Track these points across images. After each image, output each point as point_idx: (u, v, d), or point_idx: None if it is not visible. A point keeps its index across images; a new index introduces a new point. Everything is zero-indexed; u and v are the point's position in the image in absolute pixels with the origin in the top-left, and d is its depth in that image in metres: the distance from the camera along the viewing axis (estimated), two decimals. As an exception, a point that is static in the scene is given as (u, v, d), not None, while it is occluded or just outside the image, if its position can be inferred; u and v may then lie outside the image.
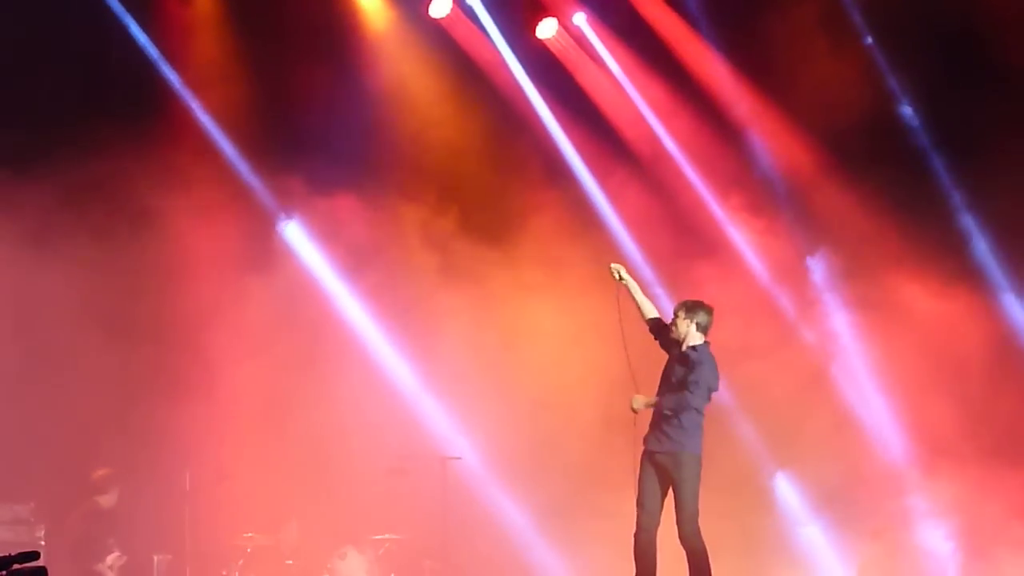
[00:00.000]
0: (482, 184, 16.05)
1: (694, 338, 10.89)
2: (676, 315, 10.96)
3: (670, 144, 16.52)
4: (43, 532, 13.76)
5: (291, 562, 14.45)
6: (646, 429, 10.92)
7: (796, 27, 15.42)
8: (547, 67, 16.60)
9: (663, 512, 10.82)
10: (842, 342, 15.99)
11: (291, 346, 15.17)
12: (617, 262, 11.34)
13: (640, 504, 10.85)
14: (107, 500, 14.11)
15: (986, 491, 14.78)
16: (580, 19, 16.62)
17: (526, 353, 15.35)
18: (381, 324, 15.93)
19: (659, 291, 15.34)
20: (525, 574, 15.59)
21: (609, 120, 16.61)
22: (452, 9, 16.28)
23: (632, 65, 16.60)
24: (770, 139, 16.28)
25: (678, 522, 10.71)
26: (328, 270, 15.95)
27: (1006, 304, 15.84)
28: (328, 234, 15.87)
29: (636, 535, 10.81)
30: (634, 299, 11.18)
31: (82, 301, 14.21)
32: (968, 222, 15.90)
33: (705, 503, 10.76)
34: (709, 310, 10.97)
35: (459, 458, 15.01)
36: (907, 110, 16.11)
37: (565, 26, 16.62)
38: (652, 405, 10.87)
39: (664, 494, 10.85)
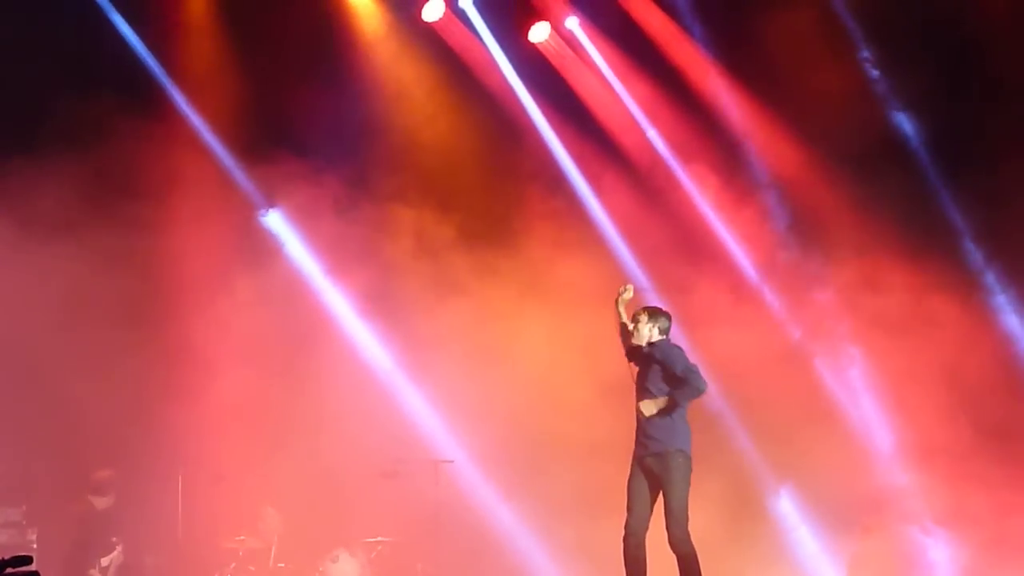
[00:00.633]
0: (476, 189, 16.05)
1: (655, 338, 11.03)
2: (638, 319, 11.09)
3: (663, 149, 16.54)
4: (35, 535, 13.74)
5: (283, 565, 14.44)
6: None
7: (789, 31, 15.43)
8: (539, 71, 16.60)
9: (652, 517, 10.82)
10: (844, 351, 16.02)
11: (283, 350, 15.17)
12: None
13: (629, 509, 10.87)
14: (102, 502, 14.08)
15: (980, 492, 14.82)
16: (573, 23, 16.64)
17: (520, 355, 15.35)
18: (374, 327, 15.93)
19: (653, 297, 15.34)
20: (517, 577, 15.65)
21: (601, 124, 16.62)
22: (445, 13, 16.28)
23: (624, 69, 16.61)
24: (763, 143, 16.30)
25: (668, 526, 10.69)
26: (320, 274, 15.96)
27: (999, 306, 15.89)
28: (319, 236, 15.86)
29: (625, 539, 10.83)
30: (620, 315, 11.32)
31: (67, 299, 14.18)
32: (964, 227, 15.94)
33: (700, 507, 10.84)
34: (669, 317, 11.16)
35: (452, 461, 15.04)
36: (902, 116, 16.14)
37: (558, 30, 16.63)
38: (663, 407, 10.92)
39: (654, 498, 10.87)
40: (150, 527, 14.41)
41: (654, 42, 16.49)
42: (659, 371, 10.92)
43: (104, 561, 13.71)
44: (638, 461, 10.91)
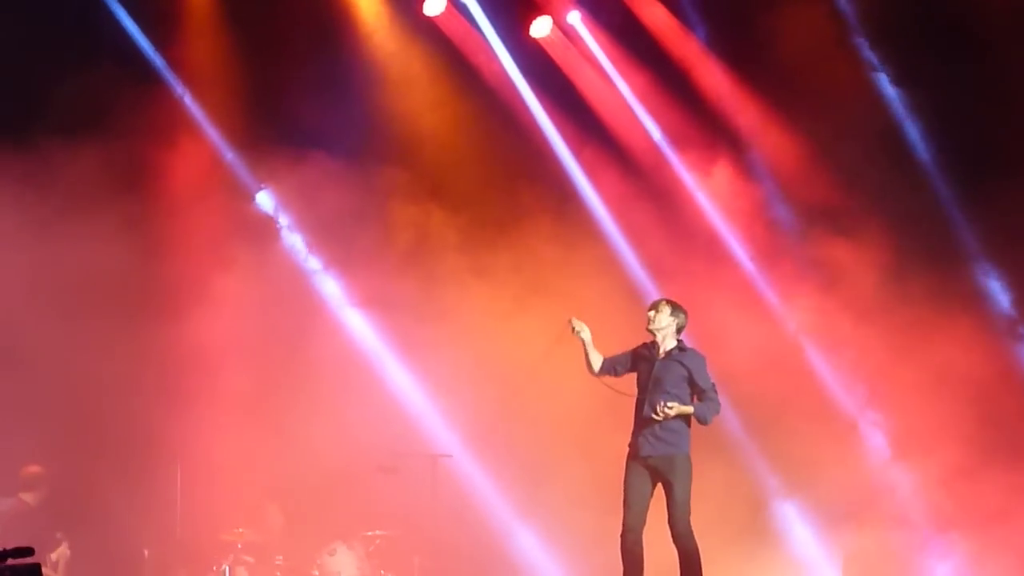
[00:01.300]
0: (477, 184, 16.04)
1: (672, 339, 11.00)
2: (659, 308, 11.07)
3: (665, 145, 16.54)
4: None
5: (280, 558, 14.41)
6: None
7: (793, 27, 15.44)
8: (541, 66, 16.58)
9: (649, 512, 10.87)
10: (843, 348, 16.05)
11: (283, 343, 15.17)
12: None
13: (626, 504, 10.88)
14: (32, 498, 13.90)
15: (980, 492, 14.86)
16: (574, 18, 16.61)
17: (519, 349, 15.30)
18: (372, 321, 15.91)
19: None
20: (514, 571, 15.62)
21: (603, 120, 16.61)
22: (447, 7, 16.24)
23: (627, 65, 16.59)
24: (766, 140, 16.31)
25: (671, 521, 10.75)
26: (320, 269, 15.93)
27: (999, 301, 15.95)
28: (317, 229, 15.85)
29: (622, 535, 10.84)
30: (585, 350, 11.25)
31: (64, 288, 14.16)
32: (968, 232, 15.98)
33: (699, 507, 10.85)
34: (687, 315, 11.13)
35: (450, 456, 15.03)
36: (905, 114, 16.17)
37: (559, 25, 16.60)
38: (686, 414, 10.92)
39: (652, 495, 10.90)
40: (148, 519, 14.38)
41: (656, 38, 16.48)
42: (684, 377, 10.93)
43: (53, 556, 13.55)
44: (640, 459, 10.90)
